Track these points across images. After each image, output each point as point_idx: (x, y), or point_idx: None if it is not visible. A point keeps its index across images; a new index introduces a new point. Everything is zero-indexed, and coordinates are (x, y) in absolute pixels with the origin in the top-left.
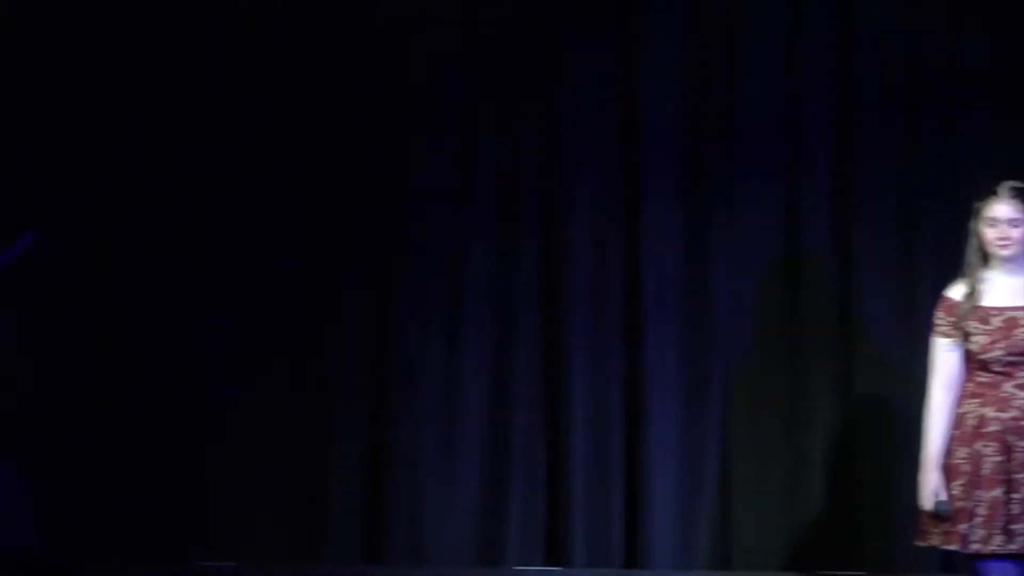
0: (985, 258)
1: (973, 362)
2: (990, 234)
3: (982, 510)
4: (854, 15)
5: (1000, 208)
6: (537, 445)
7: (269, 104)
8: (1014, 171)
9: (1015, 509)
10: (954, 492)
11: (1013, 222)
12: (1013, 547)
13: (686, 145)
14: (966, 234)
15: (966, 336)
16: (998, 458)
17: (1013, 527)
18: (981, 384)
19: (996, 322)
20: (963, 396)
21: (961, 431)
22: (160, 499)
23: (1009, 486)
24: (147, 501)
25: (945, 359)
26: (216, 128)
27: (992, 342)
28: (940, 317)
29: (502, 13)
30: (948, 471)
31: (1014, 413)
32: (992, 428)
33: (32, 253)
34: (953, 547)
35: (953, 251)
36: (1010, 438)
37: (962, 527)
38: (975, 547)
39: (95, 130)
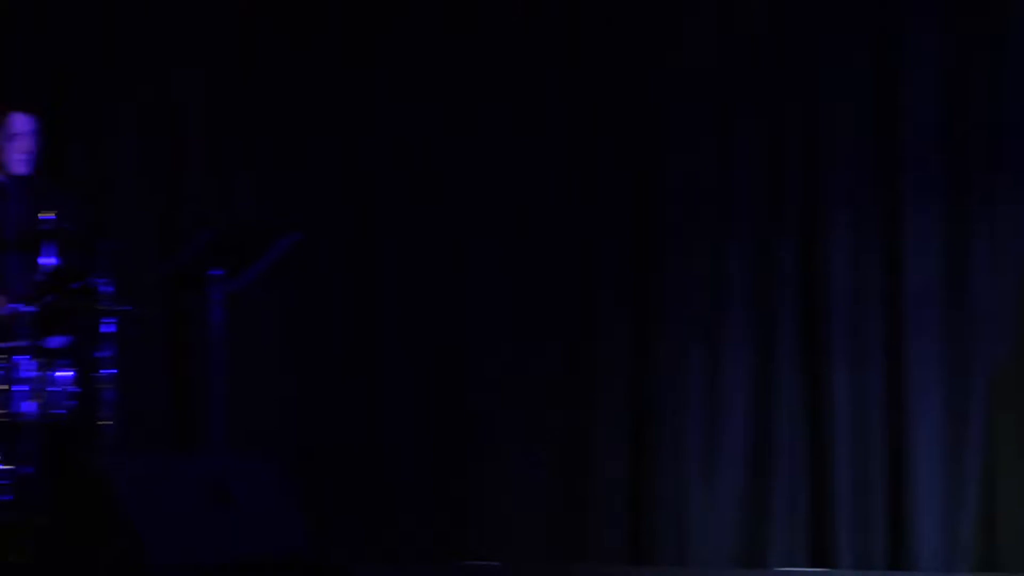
0: None
1: None
2: None
3: None
4: None
5: None
6: (799, 446)
7: (525, 105)
8: None
9: None
10: None
11: None
12: None
13: (946, 146)
14: None
15: None
16: None
17: None
18: None
19: None
20: None
21: None
22: (426, 500)
23: None
24: (413, 502)
25: None
26: (477, 129)
27: None
28: None
29: (761, 13)
30: None
31: None
32: None
33: (295, 252)
34: None
35: None
36: None
37: None
38: None
39: (356, 130)
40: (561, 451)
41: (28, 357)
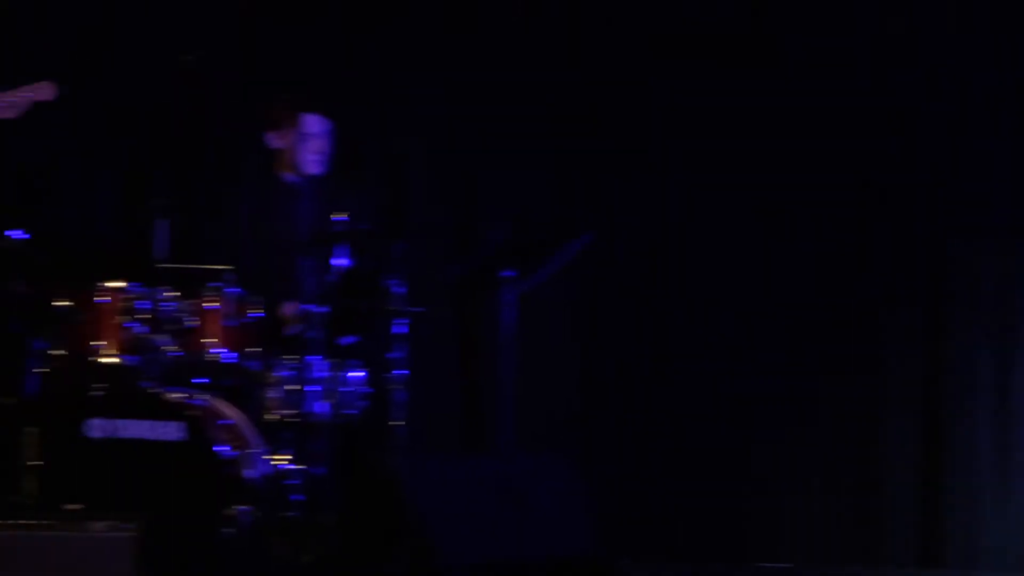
0: None
1: None
2: None
3: None
4: None
5: None
6: None
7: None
8: None
9: None
10: None
11: None
12: None
13: None
14: None
15: None
16: None
17: None
18: None
19: None
20: None
21: None
22: (713, 501)
23: None
24: (701, 502)
25: None
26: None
27: None
28: None
29: None
30: None
31: None
32: None
33: (588, 252)
34: None
35: None
36: None
37: None
38: None
39: (664, 131)
40: (852, 453)
41: (320, 358)
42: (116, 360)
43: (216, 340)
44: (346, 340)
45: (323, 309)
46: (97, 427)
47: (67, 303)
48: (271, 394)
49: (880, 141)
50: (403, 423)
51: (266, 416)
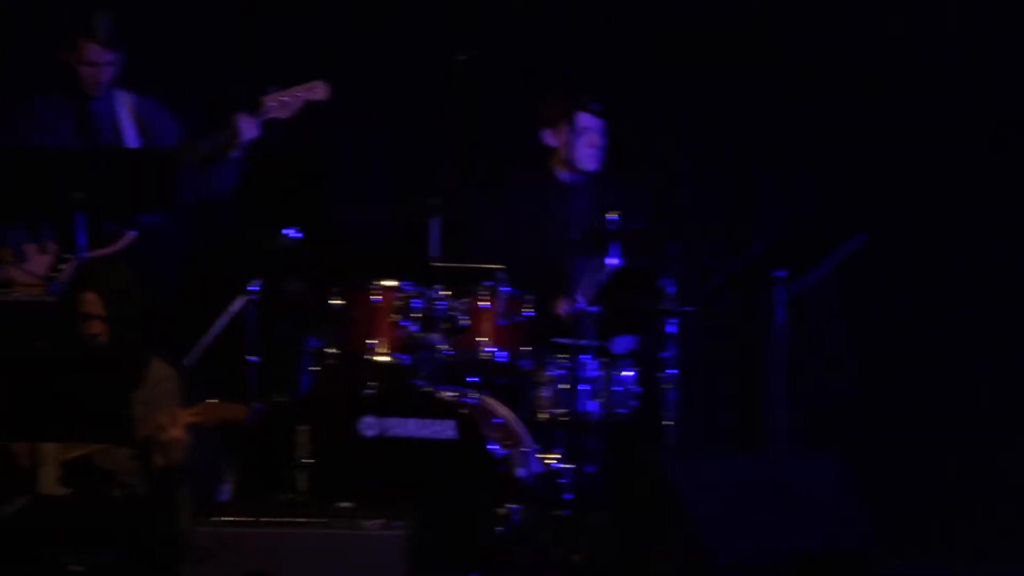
0: None
1: None
2: None
3: None
4: None
5: None
6: None
7: None
8: None
9: None
10: None
11: None
12: None
13: None
14: None
15: None
16: None
17: None
18: None
19: None
20: None
21: None
22: (978, 500)
23: None
24: (966, 501)
25: None
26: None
27: None
28: None
29: None
30: None
31: None
32: None
33: (858, 250)
34: None
35: None
36: None
37: None
38: None
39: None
40: None
41: (592, 357)
42: (389, 358)
43: (489, 339)
44: (622, 345)
45: (595, 308)
46: (370, 425)
47: (341, 302)
48: (543, 393)
49: None
50: (674, 422)
51: (538, 415)
